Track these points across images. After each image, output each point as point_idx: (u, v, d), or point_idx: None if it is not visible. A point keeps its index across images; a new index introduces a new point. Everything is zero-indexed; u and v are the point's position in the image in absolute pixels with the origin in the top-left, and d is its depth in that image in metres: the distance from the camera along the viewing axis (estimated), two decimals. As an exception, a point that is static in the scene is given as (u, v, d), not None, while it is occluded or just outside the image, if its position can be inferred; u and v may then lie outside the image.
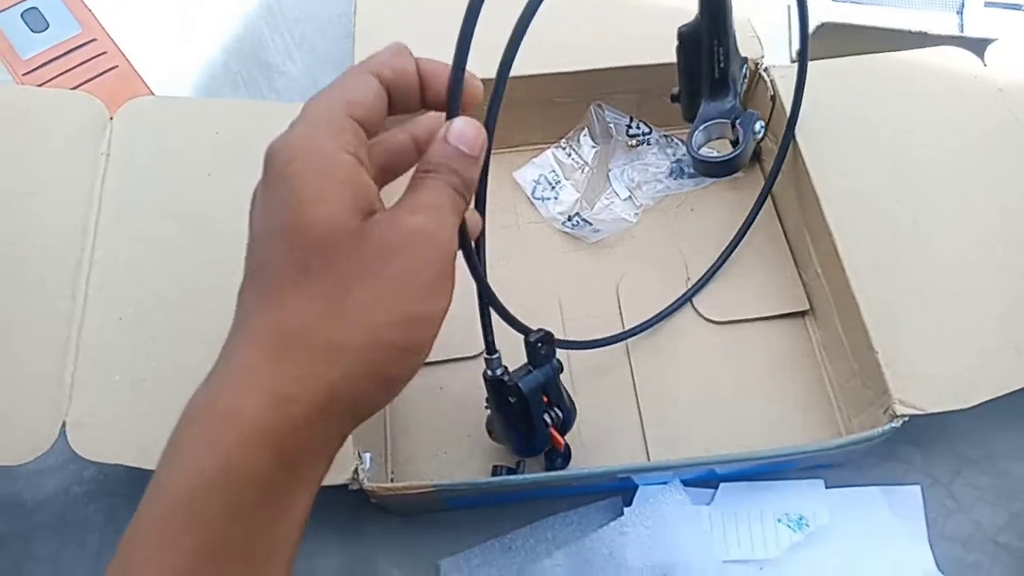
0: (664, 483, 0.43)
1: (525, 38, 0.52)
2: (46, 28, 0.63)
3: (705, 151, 0.47)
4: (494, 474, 0.44)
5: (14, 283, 0.41)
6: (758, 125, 0.46)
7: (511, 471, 0.43)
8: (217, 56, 0.63)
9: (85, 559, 0.45)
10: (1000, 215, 0.45)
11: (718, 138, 0.47)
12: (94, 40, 0.63)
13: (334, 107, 0.26)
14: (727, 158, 0.46)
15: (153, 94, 0.60)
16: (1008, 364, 0.40)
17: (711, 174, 0.51)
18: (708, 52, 0.43)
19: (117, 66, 0.62)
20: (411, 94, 0.29)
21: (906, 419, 0.39)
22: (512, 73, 0.51)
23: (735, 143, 0.46)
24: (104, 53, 0.62)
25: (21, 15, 0.63)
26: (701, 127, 0.46)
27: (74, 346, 0.40)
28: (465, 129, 0.27)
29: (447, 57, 0.28)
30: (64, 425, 0.39)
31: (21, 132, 0.45)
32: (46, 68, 0.61)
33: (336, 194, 0.25)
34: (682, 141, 0.56)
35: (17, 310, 0.41)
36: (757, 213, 0.52)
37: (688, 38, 0.43)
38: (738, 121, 0.46)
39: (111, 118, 0.47)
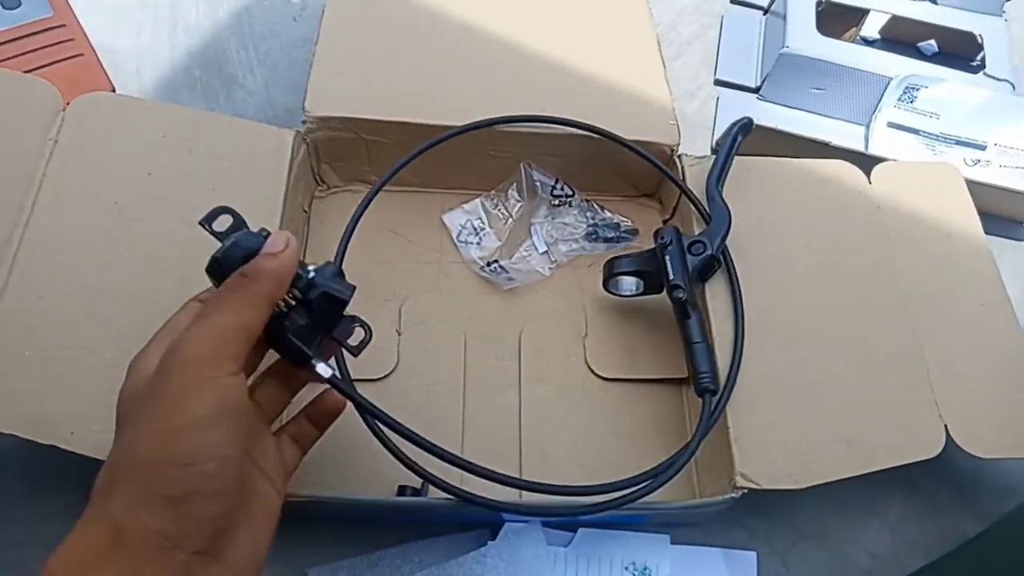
0: (526, 521, 0.47)
1: (469, 92, 0.57)
2: (18, 6, 0.65)
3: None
4: (399, 494, 0.46)
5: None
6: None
7: (415, 492, 0.46)
8: (181, 59, 0.66)
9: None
10: (856, 319, 0.50)
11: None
12: (63, 25, 0.65)
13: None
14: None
15: (113, 86, 0.63)
16: (838, 454, 0.45)
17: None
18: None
19: (82, 54, 0.64)
20: None
21: (745, 491, 0.44)
22: (455, 122, 0.56)
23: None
24: (71, 40, 0.65)
25: (-4, -11, 0.65)
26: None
27: (-11, 317, 0.43)
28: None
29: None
30: (-34, 392, 0.41)
31: (-27, 108, 0.48)
32: (10, 45, 0.63)
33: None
34: (600, 207, 0.60)
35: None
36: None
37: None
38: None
39: (64, 107, 0.49)
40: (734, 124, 0.56)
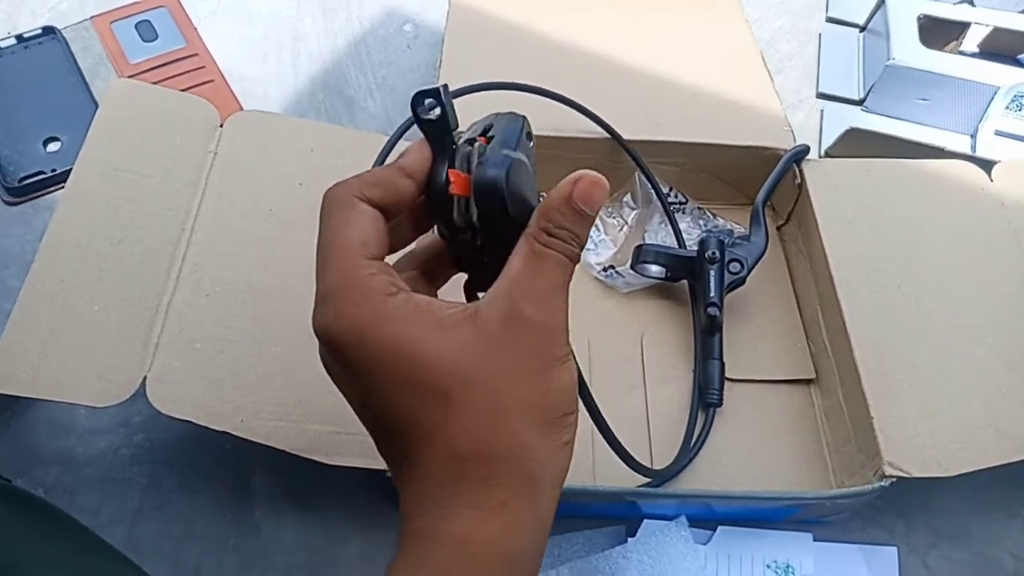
0: (670, 518, 0.47)
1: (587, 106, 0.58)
2: (155, 39, 0.70)
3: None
4: None
5: (123, 250, 0.47)
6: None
7: None
8: (305, 85, 0.70)
9: (124, 515, 0.49)
10: (990, 311, 0.50)
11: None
12: (195, 55, 0.70)
13: (354, 263, 0.26)
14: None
15: (243, 109, 0.67)
16: (988, 441, 0.45)
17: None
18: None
19: (213, 80, 0.69)
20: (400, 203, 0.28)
21: (894, 480, 0.44)
22: (568, 135, 0.58)
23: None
24: (203, 67, 0.70)
25: (135, 25, 0.71)
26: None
27: (163, 312, 0.45)
28: (589, 189, 0.26)
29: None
30: (145, 380, 0.43)
31: (145, 122, 0.52)
32: (149, 73, 0.68)
33: (419, 337, 0.25)
34: (713, 214, 0.62)
35: (122, 274, 0.46)
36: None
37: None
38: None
39: (221, 124, 0.53)
40: (792, 150, 0.57)
